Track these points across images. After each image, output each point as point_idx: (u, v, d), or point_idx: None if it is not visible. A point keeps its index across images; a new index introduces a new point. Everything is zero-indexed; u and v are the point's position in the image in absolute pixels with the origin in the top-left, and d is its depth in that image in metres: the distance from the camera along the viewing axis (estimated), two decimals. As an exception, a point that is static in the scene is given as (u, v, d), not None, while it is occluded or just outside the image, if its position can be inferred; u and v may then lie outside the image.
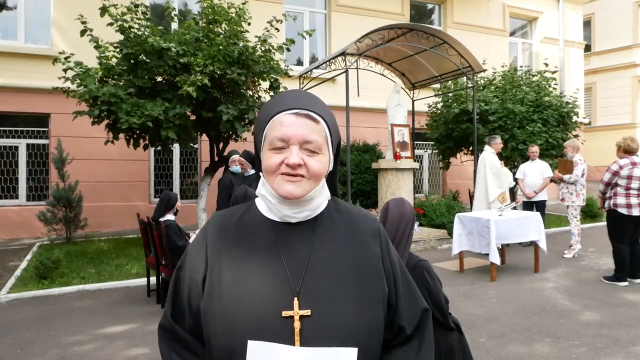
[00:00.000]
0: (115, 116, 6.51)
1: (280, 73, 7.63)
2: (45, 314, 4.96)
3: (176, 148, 10.42)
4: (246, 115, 7.22)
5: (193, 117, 7.28)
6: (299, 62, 12.34)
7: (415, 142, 11.61)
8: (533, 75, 10.86)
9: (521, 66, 13.30)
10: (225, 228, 1.07)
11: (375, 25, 8.53)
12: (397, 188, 8.45)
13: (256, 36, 7.36)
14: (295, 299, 0.96)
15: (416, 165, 8.89)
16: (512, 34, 15.43)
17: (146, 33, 6.73)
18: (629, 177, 5.62)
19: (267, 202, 1.05)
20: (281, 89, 7.58)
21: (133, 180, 10.32)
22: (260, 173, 1.06)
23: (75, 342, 4.15)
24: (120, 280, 6.11)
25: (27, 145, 9.90)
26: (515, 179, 8.10)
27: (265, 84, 7.82)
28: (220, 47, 6.74)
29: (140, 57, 6.92)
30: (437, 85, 11.30)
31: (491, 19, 14.60)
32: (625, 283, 5.67)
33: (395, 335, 1.09)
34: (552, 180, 7.87)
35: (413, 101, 10.50)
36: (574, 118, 10.37)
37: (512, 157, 9.60)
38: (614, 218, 5.74)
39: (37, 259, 6.25)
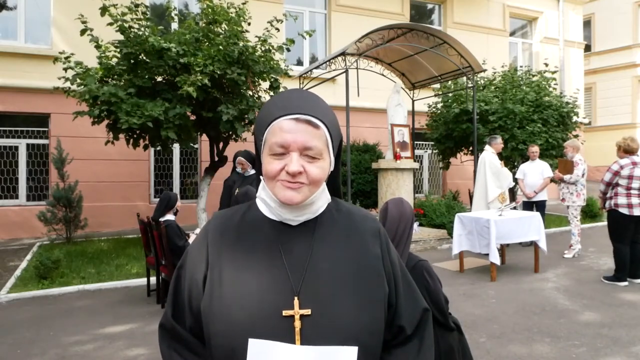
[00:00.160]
0: (115, 116, 6.52)
1: (280, 73, 7.63)
2: (45, 314, 4.96)
3: (176, 148, 10.43)
4: (246, 115, 7.22)
5: (193, 117, 7.28)
6: (299, 62, 12.34)
7: (415, 142, 11.62)
8: (533, 75, 10.86)
9: (521, 66, 13.29)
10: (226, 228, 1.07)
11: (375, 25, 8.53)
12: (397, 188, 8.45)
13: (256, 36, 7.36)
14: (296, 298, 0.96)
15: (416, 165, 8.89)
16: (512, 34, 15.44)
17: (146, 33, 6.73)
18: (630, 177, 5.62)
19: (267, 205, 1.05)
20: (281, 89, 7.57)
21: (133, 180, 10.32)
22: (261, 176, 1.06)
23: (75, 342, 4.15)
24: (120, 280, 6.11)
25: (27, 145, 9.90)
26: (515, 179, 8.11)
27: (265, 84, 7.82)
28: (220, 47, 6.74)
29: (141, 57, 6.92)
30: (437, 85, 11.30)
31: (491, 19, 14.60)
32: (625, 283, 5.67)
33: (395, 335, 1.09)
34: (552, 180, 7.87)
35: (413, 101, 10.50)
36: (574, 118, 10.37)
37: (512, 157, 9.60)
38: (615, 218, 5.74)
39: (37, 259, 6.25)
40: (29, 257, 7.51)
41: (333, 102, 10.25)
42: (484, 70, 9.14)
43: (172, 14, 7.61)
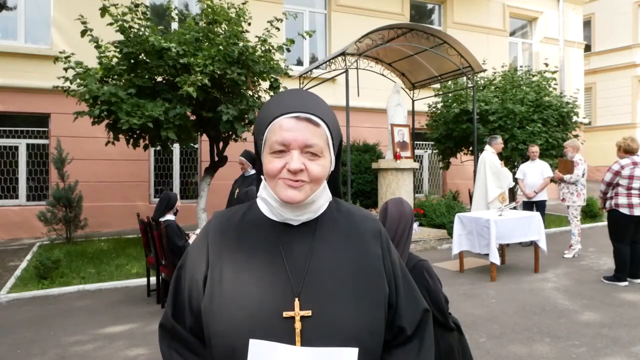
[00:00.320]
0: (116, 116, 6.51)
1: (280, 73, 7.63)
2: (45, 314, 4.96)
3: (176, 148, 10.43)
4: (246, 115, 7.22)
5: (193, 117, 7.28)
6: (299, 62, 12.34)
7: (415, 142, 11.62)
8: (533, 75, 10.86)
9: (521, 66, 13.29)
10: (226, 228, 1.07)
11: (375, 25, 8.53)
12: (397, 188, 8.46)
13: (256, 36, 7.36)
14: (296, 299, 0.96)
15: (416, 165, 8.89)
16: (512, 34, 15.43)
17: (147, 33, 6.73)
18: (631, 177, 5.62)
19: (268, 205, 1.05)
20: (281, 89, 7.57)
21: (133, 180, 10.32)
22: (262, 176, 1.06)
23: (75, 342, 4.15)
24: (120, 280, 6.11)
25: (27, 145, 9.90)
26: (515, 179, 8.11)
27: (265, 84, 7.82)
28: (220, 47, 6.74)
29: (141, 56, 6.92)
30: (437, 85, 11.30)
31: (491, 19, 14.60)
32: (626, 283, 5.67)
33: (395, 335, 1.09)
34: (552, 180, 7.87)
35: (413, 101, 10.50)
36: (574, 118, 10.37)
37: (512, 157, 9.60)
38: (616, 218, 5.74)
39: (37, 259, 6.25)
40: (29, 257, 7.51)
41: (333, 102, 10.26)
42: (484, 70, 9.14)
43: (172, 14, 7.61)
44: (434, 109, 11.21)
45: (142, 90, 6.80)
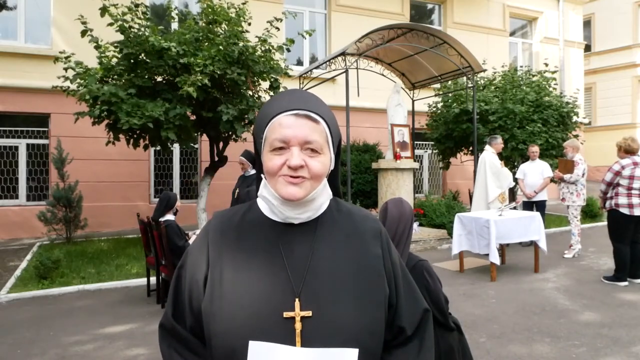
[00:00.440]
0: (116, 116, 6.51)
1: (280, 73, 7.63)
2: (45, 314, 4.96)
3: (176, 148, 10.43)
4: (246, 115, 7.22)
5: (193, 117, 7.28)
6: (299, 62, 12.34)
7: (415, 142, 11.62)
8: (533, 75, 10.86)
9: (521, 66, 13.30)
10: (226, 228, 1.06)
11: (375, 25, 8.53)
12: (397, 188, 8.45)
13: (256, 36, 7.36)
14: (297, 299, 0.96)
15: (416, 165, 8.89)
16: (512, 34, 15.44)
17: (146, 33, 6.73)
18: (631, 177, 5.62)
19: (269, 203, 1.05)
20: (281, 89, 7.57)
21: (133, 180, 10.32)
22: (262, 175, 1.06)
23: (75, 342, 4.15)
24: (120, 280, 6.11)
25: (27, 145, 9.90)
26: (515, 179, 8.10)
27: (265, 84, 7.82)
28: (220, 47, 6.74)
29: (141, 57, 6.92)
30: (437, 85, 11.30)
31: (491, 19, 14.60)
32: (625, 283, 5.67)
33: (395, 335, 1.09)
34: (552, 180, 7.87)
35: (413, 101, 10.50)
36: (574, 118, 10.37)
37: (512, 157, 9.60)
38: (616, 218, 5.74)
39: (37, 259, 6.25)
40: (29, 257, 7.51)
41: (333, 102, 10.26)
42: (484, 70, 9.15)
43: (172, 14, 7.61)
44: (434, 109, 11.21)
45: (142, 91, 6.80)
